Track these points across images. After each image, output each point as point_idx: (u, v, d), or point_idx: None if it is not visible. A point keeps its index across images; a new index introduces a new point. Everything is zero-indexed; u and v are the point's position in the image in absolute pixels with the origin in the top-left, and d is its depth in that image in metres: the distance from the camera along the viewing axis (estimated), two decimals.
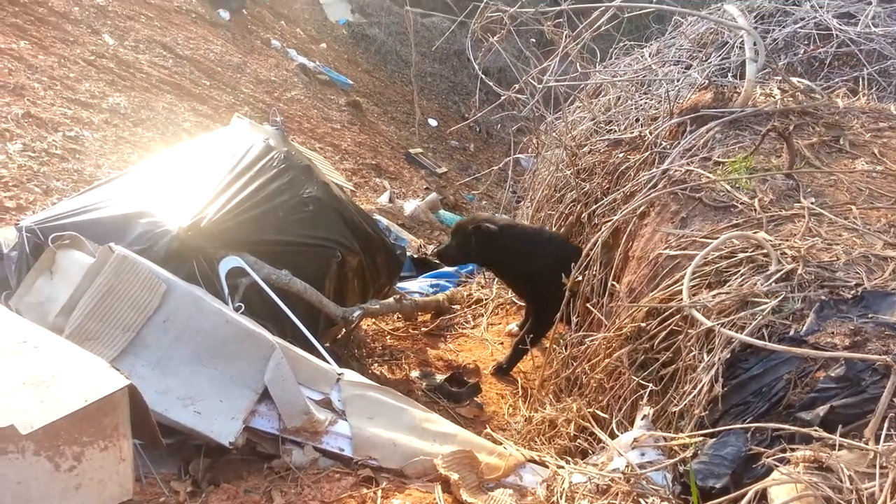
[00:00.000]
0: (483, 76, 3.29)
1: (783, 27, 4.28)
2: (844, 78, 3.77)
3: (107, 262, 1.85)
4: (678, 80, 3.59)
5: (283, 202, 2.64)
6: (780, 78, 3.00)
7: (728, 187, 2.28)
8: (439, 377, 3.15)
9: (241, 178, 2.51)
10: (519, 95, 3.48)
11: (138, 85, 6.18)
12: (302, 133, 7.97)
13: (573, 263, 2.60)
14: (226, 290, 2.18)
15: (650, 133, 3.23)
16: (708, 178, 2.36)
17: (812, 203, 2.12)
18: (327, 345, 2.67)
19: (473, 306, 4.13)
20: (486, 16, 3.17)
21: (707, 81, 2.96)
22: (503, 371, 3.39)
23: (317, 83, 9.86)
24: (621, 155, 3.47)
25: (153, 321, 1.86)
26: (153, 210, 2.16)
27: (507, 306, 4.15)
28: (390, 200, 6.75)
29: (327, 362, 2.16)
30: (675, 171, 2.51)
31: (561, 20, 3.06)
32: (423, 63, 12.90)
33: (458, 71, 13.43)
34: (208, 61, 7.93)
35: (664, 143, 3.05)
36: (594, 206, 3.44)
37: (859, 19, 4.11)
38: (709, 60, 3.89)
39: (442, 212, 7.13)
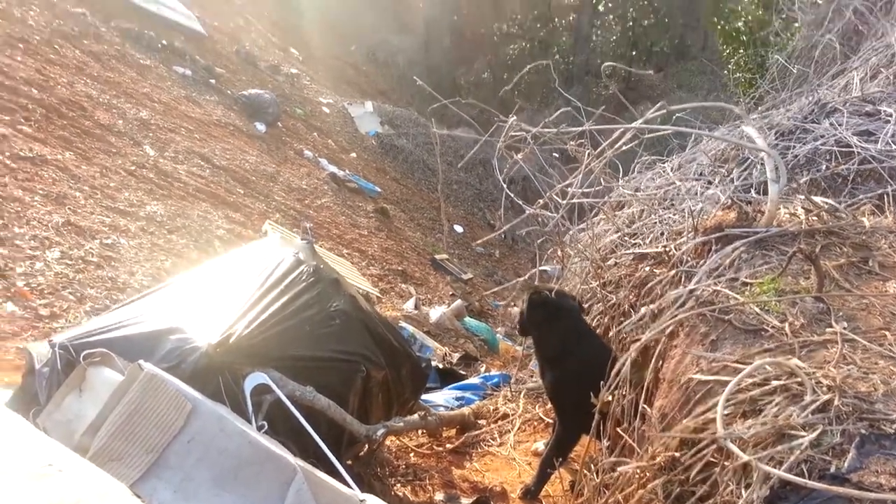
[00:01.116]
0: (507, 190, 3.36)
1: (804, 143, 4.34)
2: (869, 195, 3.78)
3: (135, 381, 1.86)
4: (701, 196, 3.63)
5: (311, 316, 2.66)
6: (803, 196, 3.03)
7: (757, 310, 2.25)
8: (465, 501, 3.04)
9: (270, 292, 2.55)
10: (544, 211, 3.55)
11: (175, 193, 6.42)
12: (330, 239, 8.14)
13: (603, 382, 2.55)
14: (250, 408, 2.17)
15: (675, 248, 3.24)
16: (736, 299, 2.34)
17: (844, 328, 2.08)
18: (349, 463, 2.61)
19: (500, 422, 4.04)
20: (510, 135, 3.28)
21: (730, 201, 2.99)
22: (531, 494, 3.26)
23: (346, 191, 10.16)
24: (647, 268, 3.47)
25: (178, 441, 1.84)
26: (184, 326, 2.19)
27: (535, 422, 4.05)
28: (416, 307, 6.77)
29: (350, 486, 2.10)
30: (703, 290, 2.49)
31: (583, 140, 3.16)
32: (448, 171, 13.30)
33: (483, 179, 13.79)
34: (243, 170, 8.25)
35: (689, 260, 3.05)
36: (621, 320, 3.41)
37: (879, 136, 4.17)
38: (730, 176, 3.95)
39: (468, 319, 7.12)
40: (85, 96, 7.11)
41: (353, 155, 12.28)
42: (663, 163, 4.69)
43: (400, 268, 8.53)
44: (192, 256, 5.35)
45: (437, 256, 9.71)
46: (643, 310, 3.11)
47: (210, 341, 2.14)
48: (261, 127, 10.16)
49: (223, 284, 2.57)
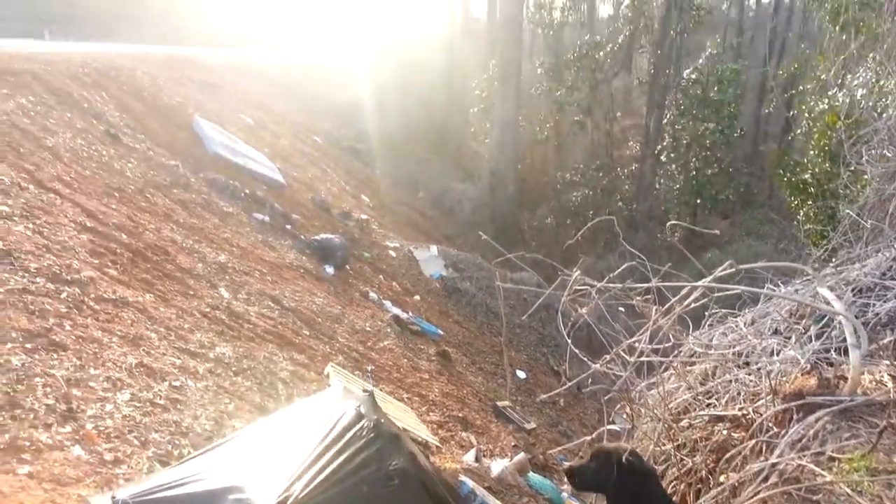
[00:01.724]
0: (572, 346, 3.31)
1: (884, 301, 4.15)
2: None
3: None
4: (777, 355, 3.48)
5: (370, 475, 2.60)
6: (888, 362, 2.86)
7: (849, 491, 2.06)
8: None
9: (330, 449, 2.52)
10: (610, 367, 3.46)
11: (244, 335, 6.58)
12: (391, 382, 8.08)
13: None
14: None
15: (753, 412, 3.07)
16: (824, 477, 2.16)
17: None
18: None
19: None
20: (574, 289, 3.28)
21: (809, 365, 2.85)
22: None
23: (408, 333, 10.21)
24: (724, 431, 3.28)
25: None
26: (244, 485, 2.16)
27: None
28: (477, 459, 6.51)
29: None
30: (787, 465, 2.32)
31: (650, 296, 3.12)
32: (511, 315, 13.28)
33: (546, 323, 13.68)
34: (310, 312, 8.44)
35: (770, 427, 2.87)
36: (699, 487, 3.18)
37: None
38: (807, 334, 3.78)
39: (531, 475, 6.77)
40: (170, 241, 7.58)
41: (417, 297, 12.45)
42: (735, 317, 4.56)
43: (461, 414, 8.33)
44: (255, 400, 5.38)
45: (500, 403, 9.47)
46: (722, 478, 2.91)
47: (268, 503, 2.10)
48: (330, 270, 10.52)
49: (285, 440, 2.56)
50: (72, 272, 5.42)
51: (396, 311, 10.58)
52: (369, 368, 7.73)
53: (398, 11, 32.96)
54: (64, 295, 5.05)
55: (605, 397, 4.15)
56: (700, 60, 22.27)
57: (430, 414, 7.86)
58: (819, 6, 15.09)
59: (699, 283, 2.88)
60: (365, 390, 4.27)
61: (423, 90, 32.49)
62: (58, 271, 5.31)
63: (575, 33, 32.54)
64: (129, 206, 7.85)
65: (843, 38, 9.15)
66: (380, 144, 26.96)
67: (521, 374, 11.46)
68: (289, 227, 11.25)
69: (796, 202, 9.80)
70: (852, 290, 4.29)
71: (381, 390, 6.96)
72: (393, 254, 14.00)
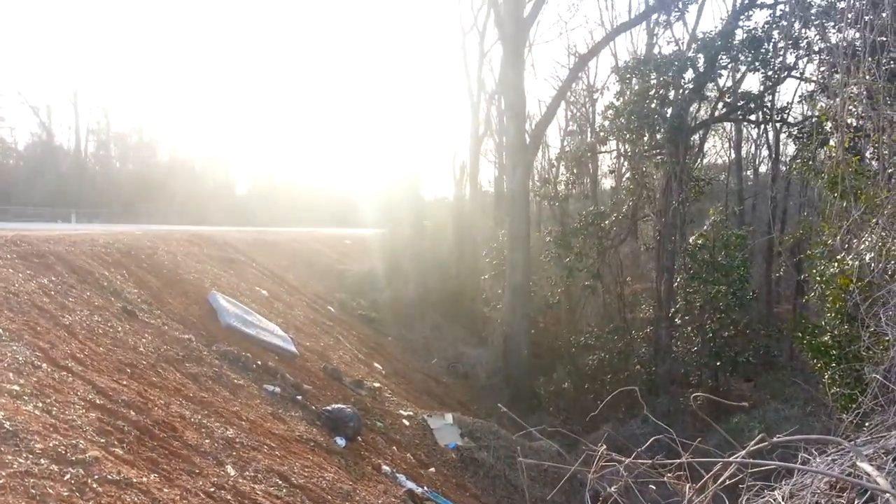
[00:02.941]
0: None
1: None
2: None
3: None
4: None
5: None
6: None
7: None
8: None
9: None
10: None
11: None
12: None
13: None
14: None
15: None
16: None
17: None
18: None
19: None
20: (601, 465, 3.12)
21: None
22: None
23: None
24: None
25: None
26: None
27: None
28: None
29: None
30: None
31: (682, 472, 2.96)
32: (532, 487, 12.59)
33: (569, 496, 12.92)
34: (319, 489, 8.05)
35: None
36: None
37: None
38: None
39: None
40: (178, 417, 7.43)
41: (432, 470, 11.91)
42: (772, 489, 4.28)
43: None
44: None
45: None
46: None
47: None
48: (341, 441, 10.17)
49: None
50: (77, 452, 5.27)
51: (411, 485, 10.08)
52: None
53: (411, 184, 34.68)
54: (67, 476, 4.88)
55: None
56: (705, 227, 22.92)
57: None
58: (816, 176, 15.78)
59: (732, 458, 2.74)
60: None
61: (436, 258, 33.44)
62: (63, 451, 5.17)
63: (580, 204, 33.93)
64: (140, 381, 7.80)
65: (844, 205, 9.44)
66: (393, 312, 27.27)
67: None
68: (300, 397, 11.05)
69: (819, 365, 9.60)
70: (893, 459, 4.06)
71: None
72: (406, 422, 13.61)
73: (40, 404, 5.78)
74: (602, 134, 27.38)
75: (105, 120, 69.20)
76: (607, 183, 45.19)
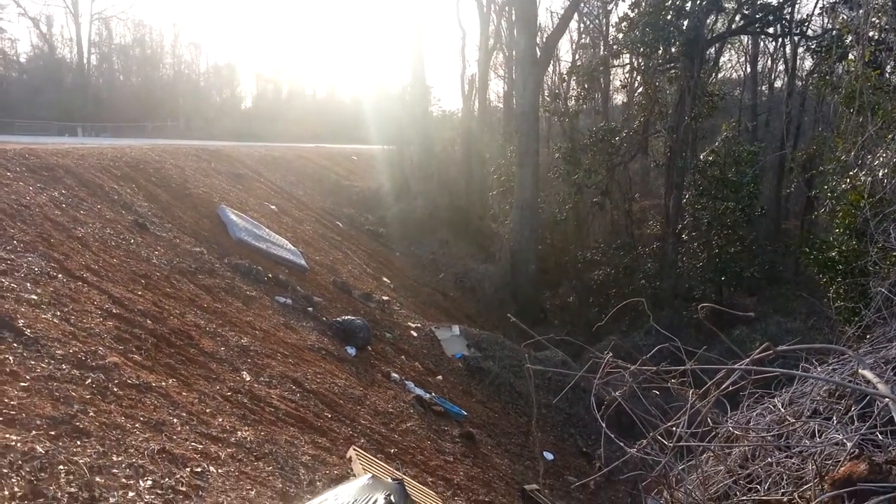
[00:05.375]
0: (607, 430, 3.21)
1: None
2: None
3: None
4: (818, 437, 3.35)
5: None
6: None
7: None
8: None
9: None
10: (648, 452, 3.34)
11: (266, 419, 6.49)
12: (415, 466, 7.87)
13: None
14: None
15: (798, 497, 2.93)
16: None
17: None
18: None
19: None
20: (606, 372, 3.21)
21: (857, 450, 2.72)
22: None
23: (431, 414, 10.01)
24: None
25: None
26: None
27: None
28: None
29: None
30: None
31: (685, 379, 3.04)
32: (537, 395, 12.99)
33: (573, 403, 13.35)
34: (332, 394, 8.34)
35: None
36: None
37: None
38: (849, 414, 3.65)
39: None
40: (193, 326, 7.62)
41: (440, 378, 12.28)
42: (772, 396, 4.41)
43: (487, 499, 8.04)
44: (276, 485, 5.25)
45: (527, 487, 9.13)
46: None
47: None
48: (351, 351, 10.46)
49: None
50: (97, 358, 5.44)
51: (419, 391, 10.43)
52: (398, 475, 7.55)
53: (420, 100, 34.03)
54: (88, 381, 5.06)
55: (643, 483, 3.98)
56: (716, 143, 22.57)
57: (456, 499, 7.60)
58: (833, 91, 15.37)
59: (736, 366, 2.81)
60: (394, 478, 4.15)
61: (444, 175, 33.22)
62: (83, 357, 5.34)
63: (590, 120, 33.33)
64: (155, 292, 7.95)
65: (860, 120, 9.26)
66: (401, 228, 27.37)
67: (549, 456, 11.10)
68: (311, 309, 11.28)
69: (825, 279, 9.66)
70: (892, 369, 4.16)
71: (404, 474, 6.76)
72: (415, 334, 13.92)
73: (58, 313, 5.93)
74: (615, 47, 26.62)
75: (106, 31, 67.56)
76: (619, 98, 44.30)
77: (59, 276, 6.77)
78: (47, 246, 7.34)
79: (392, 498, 2.71)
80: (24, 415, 4.15)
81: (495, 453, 10.28)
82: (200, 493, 4.42)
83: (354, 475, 5.78)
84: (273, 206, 18.68)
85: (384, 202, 30.26)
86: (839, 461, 2.83)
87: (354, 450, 6.81)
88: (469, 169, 33.27)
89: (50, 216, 8.31)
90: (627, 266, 24.03)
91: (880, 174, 8.17)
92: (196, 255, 10.36)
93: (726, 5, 24.55)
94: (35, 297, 5.97)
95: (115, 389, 5.19)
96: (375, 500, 2.65)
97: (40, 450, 3.85)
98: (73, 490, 3.66)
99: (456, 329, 15.09)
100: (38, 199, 8.71)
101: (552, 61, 37.99)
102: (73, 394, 4.76)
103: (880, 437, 3.23)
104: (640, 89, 29.32)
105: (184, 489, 4.32)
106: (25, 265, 6.55)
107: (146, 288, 7.89)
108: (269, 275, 11.55)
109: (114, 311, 6.67)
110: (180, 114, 58.64)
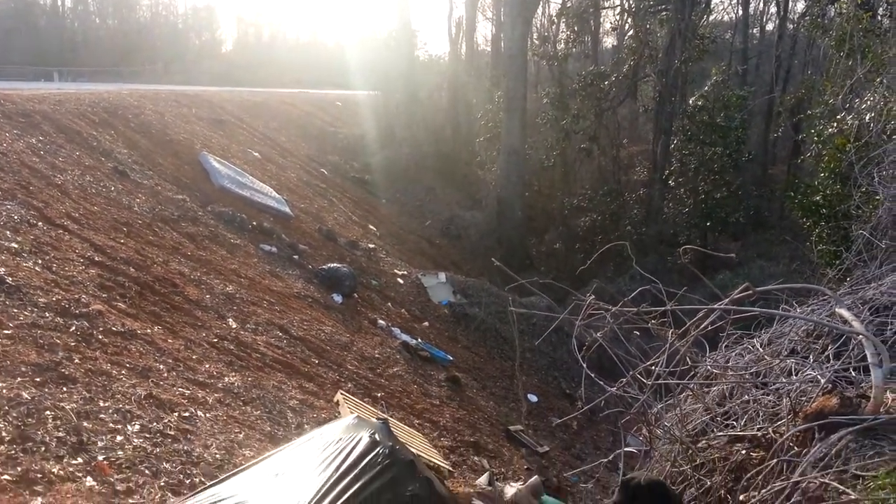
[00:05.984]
0: (587, 370, 3.26)
1: None
2: None
3: None
4: (795, 375, 3.42)
5: (386, 501, 2.56)
6: None
7: None
8: None
9: (346, 476, 2.50)
10: (627, 391, 3.40)
11: (253, 365, 6.55)
12: (402, 409, 8.00)
13: None
14: None
15: (772, 431, 3.01)
16: (848, 494, 2.10)
17: None
18: None
19: None
20: (588, 313, 3.24)
21: (830, 385, 2.79)
22: None
23: (418, 359, 10.14)
24: (743, 451, 3.21)
25: None
26: None
27: None
28: (490, 483, 6.41)
29: None
30: (809, 483, 2.26)
31: (665, 319, 3.08)
32: (522, 339, 13.16)
33: (557, 347, 13.55)
34: (318, 341, 8.40)
35: (791, 446, 2.80)
36: None
37: None
38: (825, 353, 3.73)
39: (545, 497, 6.67)
40: (178, 274, 7.59)
41: (426, 324, 12.39)
42: (751, 338, 4.49)
43: (472, 439, 8.23)
44: (264, 428, 5.33)
45: (512, 428, 9.35)
46: (742, 497, 2.84)
47: None
48: (338, 298, 10.49)
49: (300, 469, 2.52)
50: (80, 306, 5.43)
51: (405, 337, 10.53)
52: (380, 396, 7.67)
53: (405, 43, 33.30)
54: (73, 329, 5.05)
55: (623, 420, 4.08)
56: (706, 87, 22.37)
57: (442, 439, 7.77)
58: (824, 34, 15.20)
59: (716, 305, 2.85)
60: (379, 417, 4.22)
61: (430, 121, 32.80)
62: (66, 305, 5.32)
63: (579, 64, 32.83)
64: (138, 240, 7.89)
65: (850, 63, 9.21)
66: (387, 175, 27.14)
67: (533, 398, 11.33)
68: (296, 257, 11.26)
69: (809, 223, 9.75)
70: (869, 308, 4.23)
71: (391, 416, 6.88)
72: (401, 281, 13.98)
73: (40, 261, 5.88)
74: None
75: None
76: (609, 42, 43.57)
77: (40, 223, 6.69)
78: (26, 194, 7.23)
79: (376, 436, 2.76)
80: (8, 362, 4.15)
81: (480, 396, 10.47)
82: (189, 436, 4.48)
83: (342, 418, 5.86)
84: (256, 153, 18.43)
85: (369, 149, 29.90)
86: (813, 397, 2.91)
87: (342, 393, 6.90)
88: (456, 115, 32.85)
89: (28, 163, 8.16)
90: (614, 213, 24.08)
91: (867, 118, 8.17)
92: (178, 202, 10.25)
93: None
94: (15, 246, 5.90)
95: (100, 337, 5.19)
96: (360, 438, 2.69)
97: (26, 396, 3.86)
98: (61, 434, 3.69)
99: (442, 276, 15.15)
100: (16, 146, 8.53)
101: (542, 2, 37.16)
102: (58, 341, 4.76)
103: (853, 373, 3.31)
104: (631, 32, 28.85)
105: (172, 433, 4.38)
106: (4, 213, 6.46)
107: (128, 236, 7.82)
108: (254, 223, 11.48)
109: (96, 258, 6.62)
110: (158, 58, 57.10)
